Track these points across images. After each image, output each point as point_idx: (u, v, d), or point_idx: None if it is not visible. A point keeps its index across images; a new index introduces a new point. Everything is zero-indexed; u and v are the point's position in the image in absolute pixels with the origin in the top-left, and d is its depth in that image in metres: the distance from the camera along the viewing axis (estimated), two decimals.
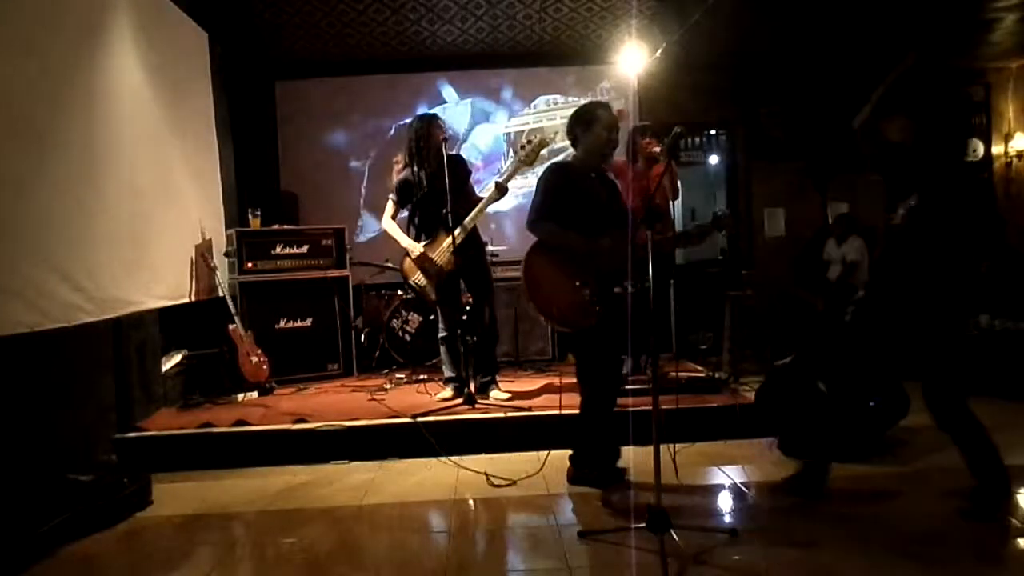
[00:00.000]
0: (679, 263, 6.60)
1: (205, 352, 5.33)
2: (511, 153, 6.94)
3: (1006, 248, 6.70)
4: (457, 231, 4.33)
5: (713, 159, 8.10)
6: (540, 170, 3.88)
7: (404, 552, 2.95)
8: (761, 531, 2.95)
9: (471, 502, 3.41)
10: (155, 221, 4.55)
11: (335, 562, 2.82)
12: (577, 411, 3.57)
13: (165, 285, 4.66)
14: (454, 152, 4.55)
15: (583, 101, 5.63)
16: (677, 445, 3.55)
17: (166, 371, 4.90)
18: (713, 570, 2.61)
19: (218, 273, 5.21)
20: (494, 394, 4.54)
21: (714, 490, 3.52)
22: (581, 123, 3.43)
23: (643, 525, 2.73)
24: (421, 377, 5.36)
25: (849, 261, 6.34)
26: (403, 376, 5.47)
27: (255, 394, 5.01)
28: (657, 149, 4.93)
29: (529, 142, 4.34)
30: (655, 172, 4.87)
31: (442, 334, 4.70)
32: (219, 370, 5.15)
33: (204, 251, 5.19)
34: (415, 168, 4.49)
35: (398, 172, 4.73)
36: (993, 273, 5.82)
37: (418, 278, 4.58)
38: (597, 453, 3.49)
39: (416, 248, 4.53)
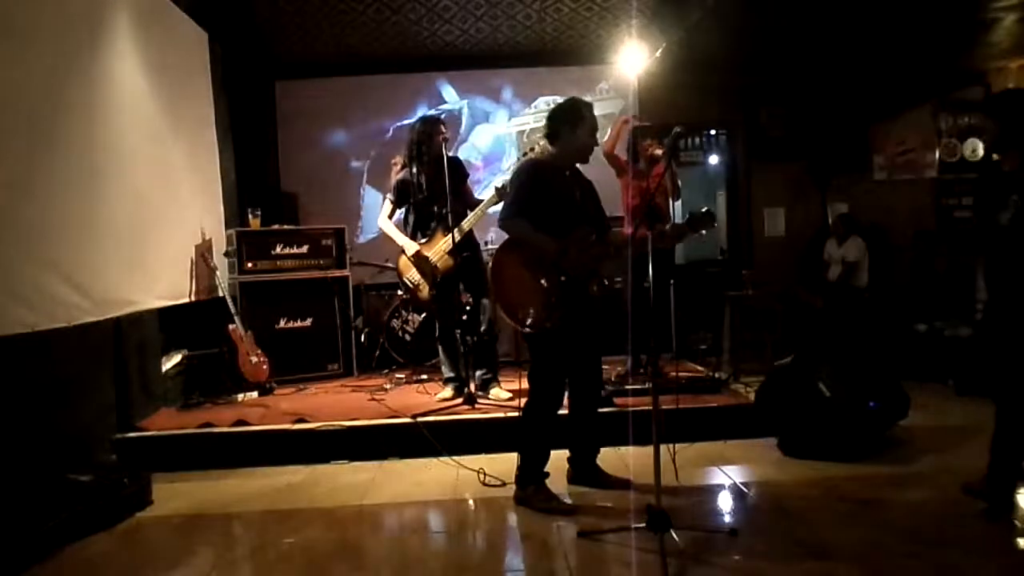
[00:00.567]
0: (679, 263, 6.60)
1: (205, 352, 5.33)
2: (513, 152, 6.94)
3: None
4: (452, 232, 4.34)
5: (713, 159, 8.10)
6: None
7: (404, 552, 2.95)
8: (761, 531, 2.95)
9: (471, 502, 3.41)
10: (155, 221, 4.55)
11: (335, 562, 2.82)
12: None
13: (165, 285, 4.66)
14: (453, 154, 4.56)
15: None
16: (677, 445, 3.55)
17: (166, 371, 4.90)
18: (713, 570, 2.61)
19: (218, 273, 5.21)
20: (495, 392, 4.54)
21: (714, 490, 3.52)
22: (568, 121, 3.31)
23: (643, 525, 2.74)
24: (421, 377, 5.37)
25: (849, 261, 6.34)
26: (403, 376, 5.47)
27: (255, 394, 5.01)
28: (659, 152, 4.94)
29: (532, 149, 4.41)
30: (655, 172, 4.88)
31: (439, 333, 4.71)
32: (219, 370, 5.15)
33: (204, 251, 5.20)
34: (414, 169, 4.52)
35: (396, 173, 4.78)
36: None
37: (412, 275, 4.61)
38: (540, 464, 3.31)
39: (412, 246, 4.56)
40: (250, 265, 5.49)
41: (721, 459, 3.89)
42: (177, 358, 5.13)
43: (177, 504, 3.51)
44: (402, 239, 4.62)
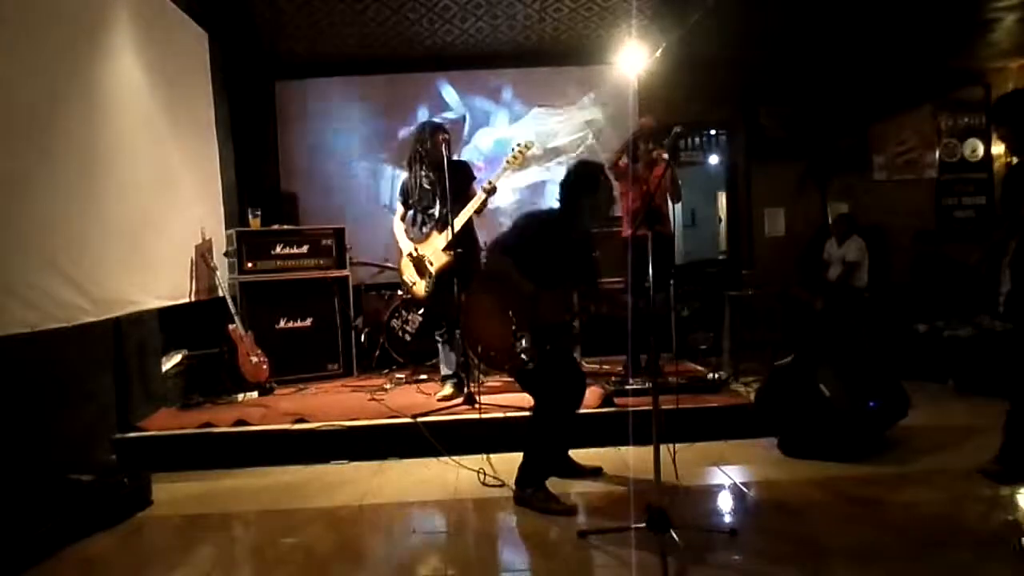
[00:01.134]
0: (679, 263, 6.60)
1: (205, 352, 5.33)
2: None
3: None
4: (447, 230, 4.40)
5: (713, 159, 8.11)
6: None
7: (404, 552, 2.95)
8: (761, 531, 2.95)
9: (471, 502, 3.41)
10: (155, 221, 4.55)
11: (335, 562, 2.82)
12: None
13: (165, 285, 4.66)
14: (458, 158, 4.62)
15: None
16: (677, 445, 3.55)
17: (166, 371, 4.90)
18: (713, 570, 2.61)
19: (218, 273, 5.21)
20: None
21: (714, 490, 3.52)
22: (587, 186, 3.28)
23: (643, 525, 2.73)
24: (421, 377, 5.37)
25: (849, 261, 6.34)
26: (403, 376, 5.47)
27: (255, 394, 5.01)
28: (665, 156, 4.92)
29: (518, 146, 4.51)
30: (655, 173, 4.88)
31: (438, 332, 4.76)
32: (219, 370, 5.14)
33: (204, 251, 5.20)
34: (414, 172, 4.61)
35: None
36: None
37: (410, 275, 4.70)
38: (544, 467, 3.32)
39: (408, 246, 4.67)
40: (250, 265, 5.49)
41: (721, 459, 3.89)
42: (177, 358, 5.13)
43: (177, 504, 3.51)
44: (402, 240, 4.71)
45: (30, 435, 3.30)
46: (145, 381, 4.53)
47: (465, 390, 4.47)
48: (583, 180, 3.31)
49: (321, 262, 5.69)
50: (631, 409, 3.93)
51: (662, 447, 2.85)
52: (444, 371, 4.77)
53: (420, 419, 4.13)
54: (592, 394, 4.05)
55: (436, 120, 4.76)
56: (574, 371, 3.51)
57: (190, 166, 5.19)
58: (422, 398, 4.74)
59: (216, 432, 4.16)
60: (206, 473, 3.94)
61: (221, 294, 5.17)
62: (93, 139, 3.83)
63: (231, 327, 5.10)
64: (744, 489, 3.49)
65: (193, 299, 5.09)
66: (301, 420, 4.24)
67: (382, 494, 3.56)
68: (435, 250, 4.55)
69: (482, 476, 3.59)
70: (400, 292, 5.75)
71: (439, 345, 4.78)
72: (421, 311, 5.61)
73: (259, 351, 5.15)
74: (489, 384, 4.80)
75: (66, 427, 3.64)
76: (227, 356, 5.10)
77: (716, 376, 4.72)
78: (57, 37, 3.53)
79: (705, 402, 4.36)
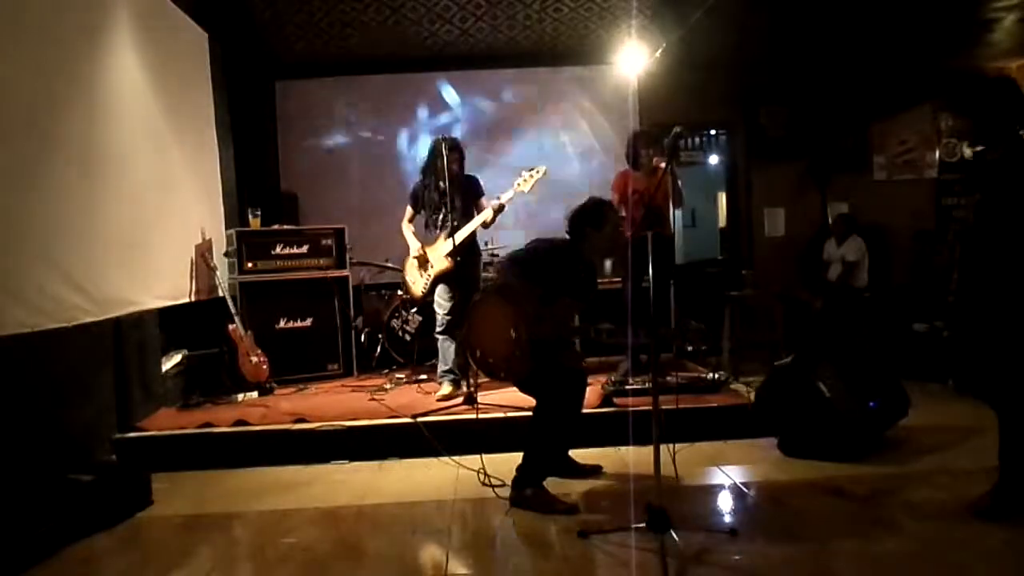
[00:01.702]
0: (679, 263, 6.60)
1: (205, 352, 5.33)
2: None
3: None
4: (456, 236, 4.54)
5: (713, 159, 8.11)
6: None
7: (404, 552, 2.95)
8: (761, 531, 2.95)
9: (471, 502, 3.41)
10: (155, 221, 4.55)
11: (335, 562, 2.82)
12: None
13: (165, 285, 4.67)
14: (469, 174, 4.86)
15: None
16: (677, 445, 3.55)
17: (166, 371, 4.89)
18: (713, 570, 2.61)
19: (218, 273, 5.21)
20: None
21: (714, 490, 3.52)
22: (593, 221, 3.43)
23: (643, 525, 2.73)
24: (421, 377, 5.37)
25: (849, 261, 6.34)
26: (403, 376, 5.47)
27: (255, 394, 5.00)
28: (663, 165, 4.90)
29: (530, 171, 4.67)
30: (655, 178, 4.86)
31: (437, 330, 4.83)
32: (219, 370, 5.15)
33: (204, 251, 5.20)
34: (426, 181, 4.78)
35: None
36: None
37: (410, 273, 4.88)
38: (543, 467, 3.35)
39: (416, 247, 4.81)
40: (250, 265, 5.49)
41: (721, 459, 3.89)
42: (177, 358, 5.13)
43: (177, 504, 3.51)
44: (410, 239, 4.87)
45: (30, 435, 3.29)
46: (145, 381, 4.53)
47: (463, 386, 4.52)
48: (590, 214, 3.46)
49: (321, 262, 5.69)
50: (631, 409, 3.93)
51: (662, 447, 2.85)
52: (441, 367, 4.81)
53: (420, 419, 4.13)
54: (592, 394, 4.05)
55: (453, 137, 4.91)
56: (575, 371, 3.52)
57: (190, 166, 5.19)
58: (422, 398, 4.75)
59: (216, 432, 4.16)
60: (206, 473, 3.94)
61: (221, 294, 5.17)
62: (93, 139, 3.83)
63: (231, 327, 5.10)
64: (744, 489, 3.49)
65: (193, 299, 5.09)
66: (301, 420, 4.24)
67: (382, 494, 3.56)
68: (439, 255, 4.69)
69: (482, 476, 3.59)
70: (400, 292, 5.76)
71: (439, 342, 4.82)
72: (420, 314, 5.65)
73: (259, 351, 5.15)
74: (489, 384, 4.79)
75: (66, 427, 3.64)
76: (227, 356, 5.10)
77: (716, 376, 4.72)
78: (57, 37, 3.53)
79: (705, 402, 4.36)
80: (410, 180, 5.76)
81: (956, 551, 2.71)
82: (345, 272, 5.78)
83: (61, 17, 3.58)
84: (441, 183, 4.63)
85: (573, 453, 3.68)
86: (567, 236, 3.52)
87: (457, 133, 6.81)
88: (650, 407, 2.84)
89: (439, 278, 4.72)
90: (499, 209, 4.62)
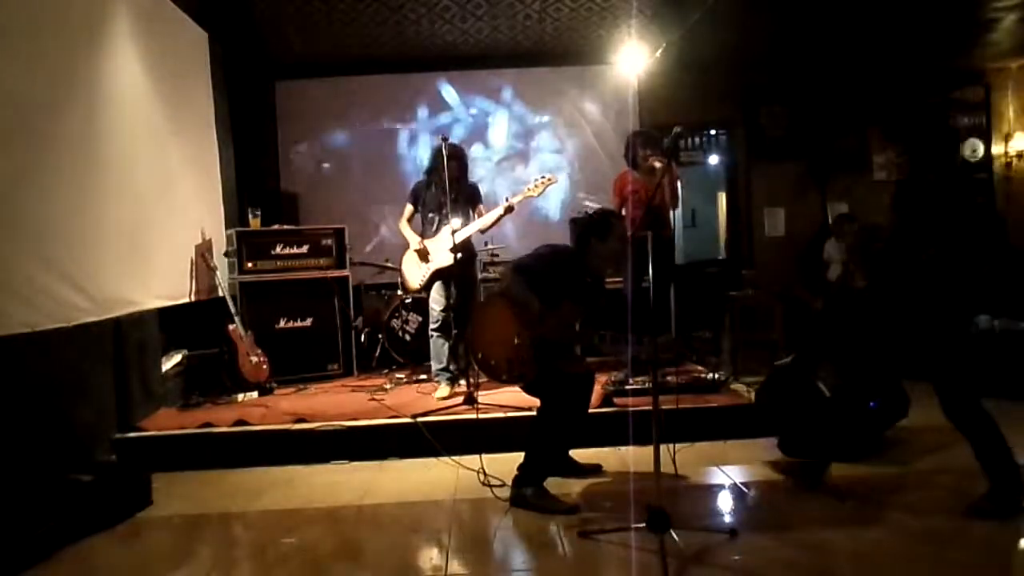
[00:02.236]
0: (679, 263, 6.59)
1: (205, 352, 5.33)
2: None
3: (1006, 248, 6.69)
4: (457, 233, 4.58)
5: (713, 159, 8.11)
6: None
7: (404, 552, 2.95)
8: (761, 531, 2.95)
9: (471, 502, 3.41)
10: (155, 221, 4.55)
11: (335, 562, 2.82)
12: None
13: (165, 285, 4.66)
14: (471, 180, 4.98)
15: None
16: (677, 445, 3.55)
17: (166, 371, 4.89)
18: (713, 570, 2.61)
19: (218, 273, 5.21)
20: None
21: (714, 490, 3.52)
22: (599, 231, 3.43)
23: (643, 525, 2.73)
24: (421, 377, 5.36)
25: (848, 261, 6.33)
26: (403, 376, 5.47)
27: (255, 394, 5.00)
28: (659, 165, 4.90)
29: (541, 177, 4.74)
30: (655, 179, 4.85)
31: (432, 327, 4.86)
32: (219, 370, 5.14)
33: (204, 251, 5.20)
34: (428, 182, 4.84)
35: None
36: (993, 273, 5.82)
37: (408, 265, 4.91)
38: (544, 467, 3.36)
39: (415, 241, 4.84)
40: (250, 265, 5.49)
41: (721, 459, 3.89)
42: (177, 358, 5.12)
43: (177, 504, 3.51)
44: (408, 234, 4.90)
45: (30, 435, 3.30)
46: (145, 381, 4.52)
47: (461, 383, 4.58)
48: (597, 225, 3.47)
49: (321, 262, 5.69)
50: (631, 409, 3.93)
51: (662, 447, 2.85)
52: (435, 366, 4.84)
53: (420, 419, 4.13)
54: (592, 394, 4.05)
55: (455, 144, 4.96)
56: (581, 374, 3.53)
57: (190, 166, 5.19)
58: (422, 398, 4.74)
59: (216, 432, 4.16)
60: (206, 473, 3.94)
61: (221, 294, 5.17)
62: (93, 139, 3.83)
63: (231, 327, 5.10)
64: (744, 489, 3.49)
65: (193, 299, 5.09)
66: (301, 420, 4.24)
67: (382, 494, 3.56)
68: (440, 248, 4.71)
69: (482, 476, 3.59)
70: (399, 292, 5.76)
71: (431, 339, 4.83)
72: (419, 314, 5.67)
73: (259, 351, 5.15)
74: (489, 384, 4.79)
75: (66, 427, 3.64)
76: (227, 356, 5.10)
77: (716, 376, 4.72)
78: (57, 37, 3.53)
79: (705, 402, 4.36)
80: (410, 180, 5.79)
81: (956, 551, 2.71)
82: (345, 272, 5.78)
83: (61, 17, 3.58)
84: (442, 186, 4.66)
85: (573, 453, 3.69)
86: (574, 245, 3.53)
87: (456, 133, 6.84)
88: (650, 407, 2.84)
89: (437, 273, 4.74)
90: (509, 209, 4.66)
